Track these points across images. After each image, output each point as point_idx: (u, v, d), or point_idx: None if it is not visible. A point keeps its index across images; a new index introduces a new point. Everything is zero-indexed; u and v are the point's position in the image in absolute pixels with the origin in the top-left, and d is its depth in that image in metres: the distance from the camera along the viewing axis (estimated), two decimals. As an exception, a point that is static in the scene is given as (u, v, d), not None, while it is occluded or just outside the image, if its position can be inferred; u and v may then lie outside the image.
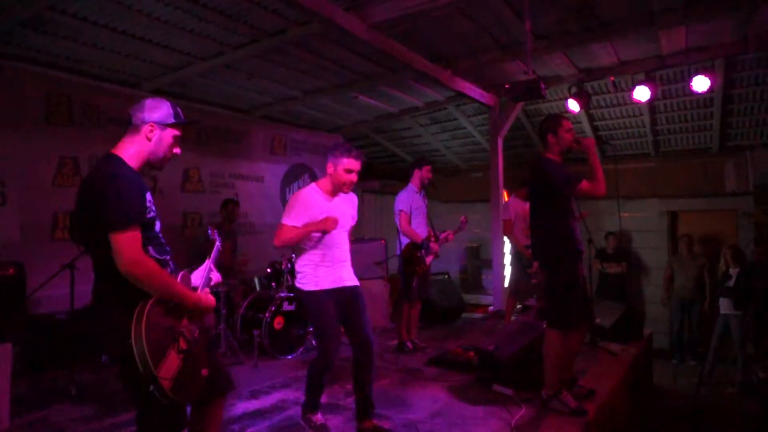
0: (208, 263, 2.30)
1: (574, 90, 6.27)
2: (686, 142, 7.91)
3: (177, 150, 2.17)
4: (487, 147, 8.66)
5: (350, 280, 3.26)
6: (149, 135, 2.07)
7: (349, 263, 3.32)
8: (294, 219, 3.11)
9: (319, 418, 3.30)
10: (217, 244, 2.44)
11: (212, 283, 2.28)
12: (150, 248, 2.03)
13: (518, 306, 6.88)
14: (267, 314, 4.99)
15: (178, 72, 5.33)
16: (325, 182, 3.25)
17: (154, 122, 2.07)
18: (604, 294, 7.56)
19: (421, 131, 8.75)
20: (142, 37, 4.55)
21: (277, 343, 5.08)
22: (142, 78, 5.51)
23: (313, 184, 3.27)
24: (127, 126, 2.08)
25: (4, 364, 3.46)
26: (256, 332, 4.91)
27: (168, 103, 2.14)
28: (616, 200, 8.03)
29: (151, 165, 2.13)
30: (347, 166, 3.13)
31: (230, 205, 5.97)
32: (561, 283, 3.38)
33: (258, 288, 5.67)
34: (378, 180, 9.39)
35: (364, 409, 3.21)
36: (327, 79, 6.06)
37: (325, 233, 3.14)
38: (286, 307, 5.22)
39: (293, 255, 5.49)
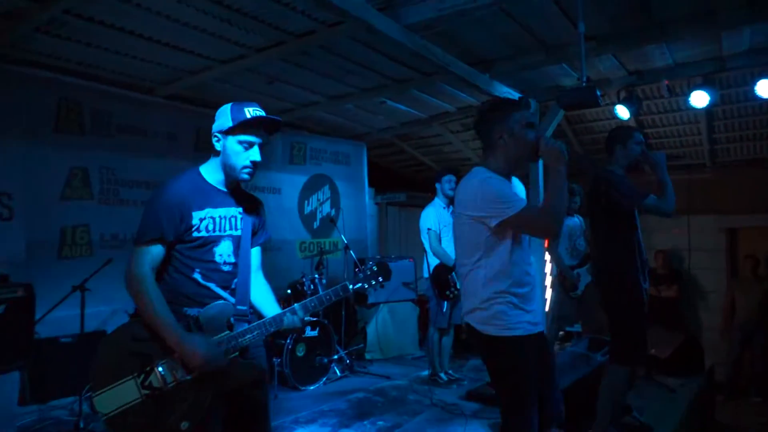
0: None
1: (623, 95, 6.23)
2: (747, 152, 7.80)
3: (257, 156, 2.12)
4: (524, 156, 8.64)
5: None
6: (217, 146, 2.14)
7: None
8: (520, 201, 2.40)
9: None
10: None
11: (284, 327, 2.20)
12: (197, 271, 2.08)
13: (560, 333, 6.83)
14: (288, 340, 5.01)
15: (196, 76, 5.40)
16: (496, 161, 2.53)
17: (217, 131, 2.14)
18: (657, 320, 7.44)
19: (451, 138, 8.75)
20: (159, 40, 4.62)
21: (299, 372, 5.09)
22: (156, 83, 5.60)
23: (482, 169, 2.52)
24: None
25: (11, 394, 3.52)
26: (276, 360, 4.93)
27: (230, 106, 2.15)
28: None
29: (234, 179, 2.17)
30: (523, 118, 2.47)
31: None
32: (627, 312, 3.36)
33: (278, 311, 5.68)
34: (403, 191, 9.39)
35: None
36: (353, 84, 6.10)
37: None
38: (309, 332, 5.24)
39: (316, 276, 5.59)
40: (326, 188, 7.95)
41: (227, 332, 2.08)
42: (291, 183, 7.47)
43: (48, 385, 4.58)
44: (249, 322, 2.17)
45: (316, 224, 7.77)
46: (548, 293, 7.13)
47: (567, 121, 7.82)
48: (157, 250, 2.02)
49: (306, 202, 7.68)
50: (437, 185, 5.40)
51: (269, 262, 6.66)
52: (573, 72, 5.97)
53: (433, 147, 9.25)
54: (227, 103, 2.29)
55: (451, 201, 5.35)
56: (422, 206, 5.63)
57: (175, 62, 5.09)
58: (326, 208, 7.94)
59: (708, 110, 6.83)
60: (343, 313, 6.17)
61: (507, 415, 2.48)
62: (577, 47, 4.93)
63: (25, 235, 4.75)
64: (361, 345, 6.43)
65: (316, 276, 5.63)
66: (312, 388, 5.19)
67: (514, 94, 6.40)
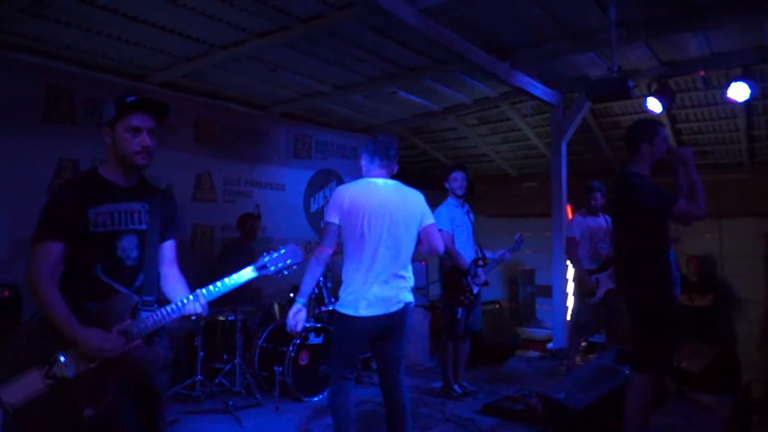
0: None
1: (655, 86, 6.14)
2: (789, 150, 7.69)
3: (146, 141, 2.26)
4: (545, 152, 8.57)
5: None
6: (106, 139, 2.29)
7: None
8: None
9: None
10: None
11: (186, 313, 2.33)
12: (98, 267, 2.22)
13: (583, 343, 6.73)
14: (290, 347, 4.97)
15: (192, 62, 5.37)
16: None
17: (104, 125, 2.30)
18: (689, 332, 7.33)
19: (466, 132, 8.70)
20: (154, 23, 4.59)
21: (302, 381, 5.04)
22: (150, 69, 5.57)
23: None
24: None
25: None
26: (277, 368, 4.89)
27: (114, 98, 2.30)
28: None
29: (130, 166, 2.31)
30: None
31: (250, 220, 5.97)
32: (650, 319, 3.31)
33: (279, 316, 5.63)
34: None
35: None
36: (362, 72, 6.05)
37: None
38: (313, 339, 5.19)
39: (322, 278, 5.54)
40: (333, 184, 7.90)
41: (129, 321, 2.20)
42: (295, 178, 7.44)
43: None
44: (155, 312, 2.30)
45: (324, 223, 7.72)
46: (570, 300, 7.06)
47: (593, 114, 7.75)
48: (53, 249, 2.16)
49: (312, 199, 7.64)
50: (446, 184, 5.29)
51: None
52: (600, 61, 5.90)
53: (446, 142, 9.20)
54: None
55: (465, 200, 5.29)
56: (434, 205, 5.54)
57: (169, 47, 5.05)
58: (334, 206, 7.89)
59: (747, 104, 6.73)
60: (349, 319, 6.10)
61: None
62: (605, 34, 4.86)
63: (9, 232, 4.71)
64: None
65: (321, 279, 5.57)
66: (316, 399, 5.11)
67: (536, 85, 6.33)
